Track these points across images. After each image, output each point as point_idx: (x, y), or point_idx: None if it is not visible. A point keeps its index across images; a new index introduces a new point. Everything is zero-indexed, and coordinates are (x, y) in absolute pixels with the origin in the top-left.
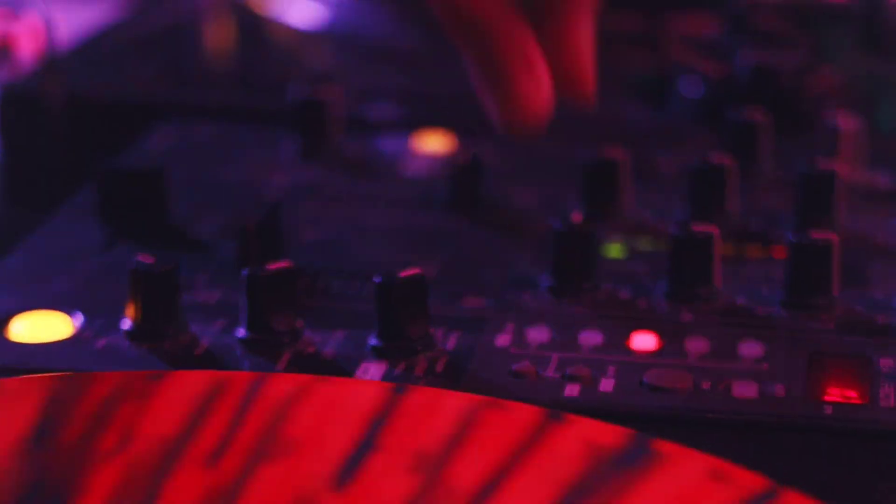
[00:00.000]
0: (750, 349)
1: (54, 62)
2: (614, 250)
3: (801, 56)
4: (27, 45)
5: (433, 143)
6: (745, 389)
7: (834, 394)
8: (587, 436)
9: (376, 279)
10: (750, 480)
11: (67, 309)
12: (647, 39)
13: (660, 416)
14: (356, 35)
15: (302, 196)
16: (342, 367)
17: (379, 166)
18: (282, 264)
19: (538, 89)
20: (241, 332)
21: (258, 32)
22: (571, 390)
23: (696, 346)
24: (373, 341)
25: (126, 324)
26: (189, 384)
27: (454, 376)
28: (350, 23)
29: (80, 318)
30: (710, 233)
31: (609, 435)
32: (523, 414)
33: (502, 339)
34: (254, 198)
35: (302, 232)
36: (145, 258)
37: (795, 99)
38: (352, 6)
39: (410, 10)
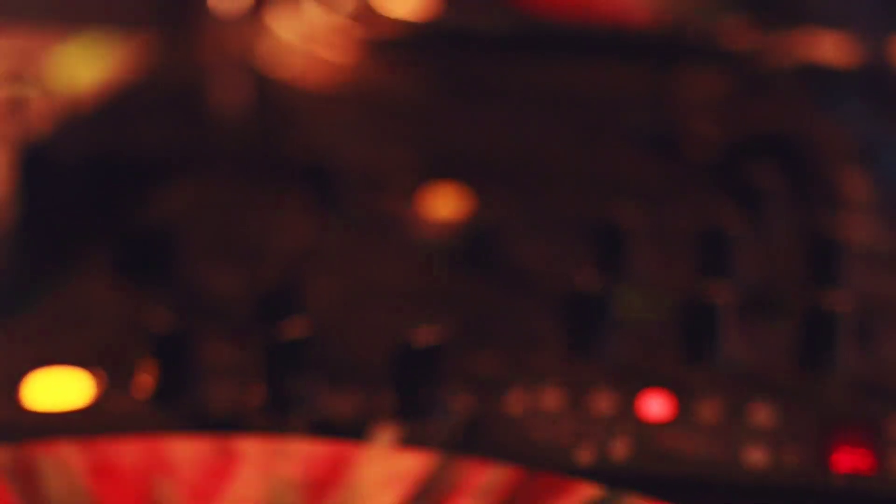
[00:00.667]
0: (761, 414)
1: (70, 120)
2: (628, 309)
3: (811, 117)
4: (40, 101)
5: (445, 199)
6: (756, 455)
7: (844, 462)
8: None
9: (396, 345)
10: None
11: (84, 368)
12: (657, 96)
13: (674, 482)
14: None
15: (316, 255)
16: (357, 431)
17: (391, 224)
18: (299, 327)
19: None
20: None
21: (272, 91)
22: (584, 456)
23: (709, 410)
24: (388, 405)
25: (142, 385)
26: None
27: (469, 441)
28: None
29: (95, 379)
30: (721, 295)
31: None
32: None
33: (516, 403)
34: (270, 258)
35: (316, 291)
36: (161, 318)
37: (806, 160)
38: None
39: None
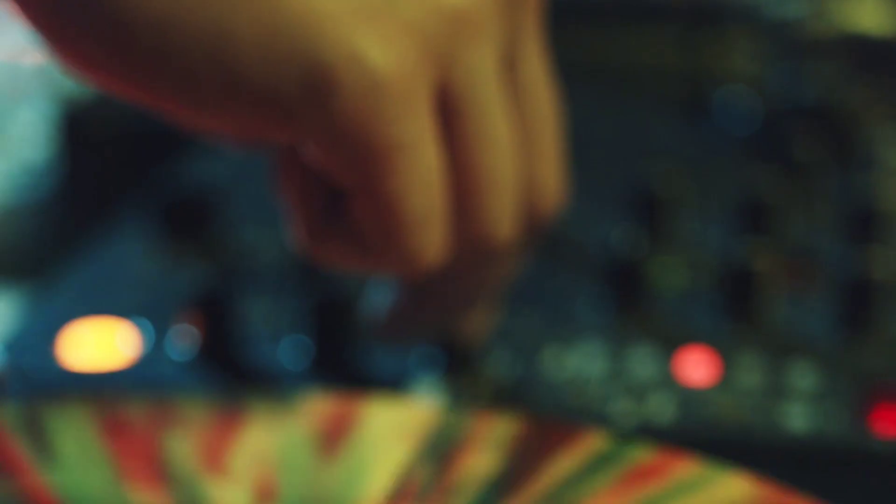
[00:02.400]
0: (802, 377)
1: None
2: (668, 277)
3: (855, 89)
4: None
5: None
6: (797, 418)
7: (885, 424)
8: None
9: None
10: None
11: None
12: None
13: (715, 445)
14: None
15: None
16: (400, 388)
17: None
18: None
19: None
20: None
21: None
22: (637, 420)
23: (750, 373)
24: (430, 361)
25: (188, 346)
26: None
27: (510, 402)
28: None
29: (136, 338)
30: (763, 260)
31: None
32: None
33: (557, 366)
34: None
35: None
36: (203, 277)
37: (851, 131)
38: None
39: None
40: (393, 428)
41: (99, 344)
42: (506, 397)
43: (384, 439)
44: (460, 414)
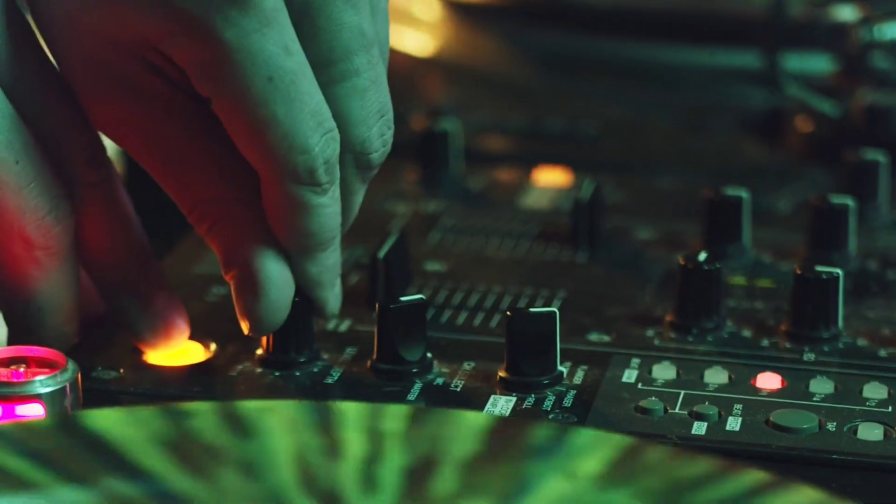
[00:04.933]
0: (874, 391)
1: None
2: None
3: None
4: None
5: (551, 178)
6: (870, 432)
7: None
8: None
9: (508, 314)
10: None
11: (199, 334)
12: (764, 77)
13: (786, 456)
14: (470, 67)
15: (424, 226)
16: (470, 400)
17: (499, 198)
18: (414, 297)
19: None
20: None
21: None
22: (698, 428)
23: (821, 386)
24: (501, 374)
25: (259, 351)
26: None
27: (581, 411)
28: (464, 55)
29: (212, 345)
30: (835, 274)
31: None
32: None
33: (628, 375)
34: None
35: (424, 262)
36: None
37: None
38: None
39: None
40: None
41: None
42: (576, 411)
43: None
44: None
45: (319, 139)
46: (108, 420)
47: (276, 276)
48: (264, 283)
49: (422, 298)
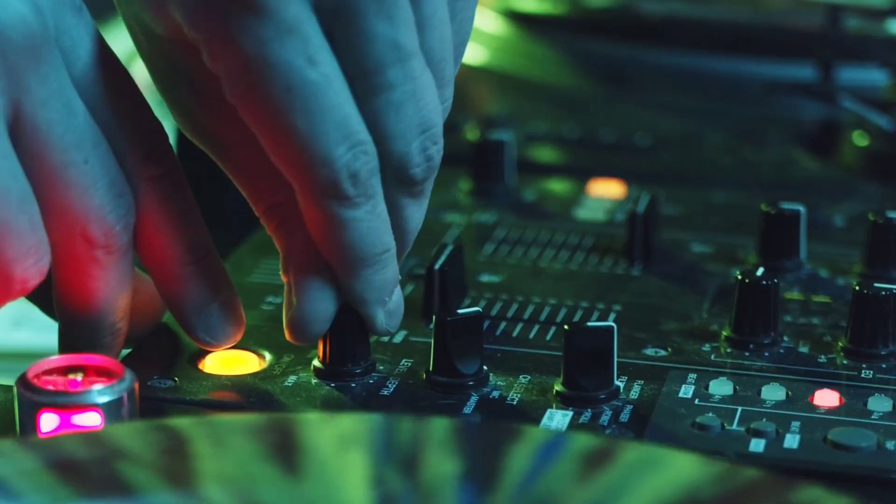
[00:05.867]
0: None
1: None
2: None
3: None
4: None
5: (606, 190)
6: None
7: None
8: None
9: (566, 328)
10: None
11: (253, 344)
12: (819, 90)
13: (844, 474)
14: (525, 77)
15: (478, 237)
16: (527, 414)
17: (553, 209)
18: (471, 310)
19: None
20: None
21: None
22: (756, 445)
23: (879, 404)
24: (558, 388)
25: (315, 362)
26: None
27: (637, 426)
28: (519, 65)
29: (267, 354)
30: (894, 291)
31: None
32: None
33: (685, 391)
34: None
35: (479, 273)
36: None
37: None
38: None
39: None
40: (338, 440)
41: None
42: (632, 425)
43: (336, 451)
44: (398, 420)
45: (346, 152)
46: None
47: (313, 288)
48: (300, 294)
49: (479, 311)
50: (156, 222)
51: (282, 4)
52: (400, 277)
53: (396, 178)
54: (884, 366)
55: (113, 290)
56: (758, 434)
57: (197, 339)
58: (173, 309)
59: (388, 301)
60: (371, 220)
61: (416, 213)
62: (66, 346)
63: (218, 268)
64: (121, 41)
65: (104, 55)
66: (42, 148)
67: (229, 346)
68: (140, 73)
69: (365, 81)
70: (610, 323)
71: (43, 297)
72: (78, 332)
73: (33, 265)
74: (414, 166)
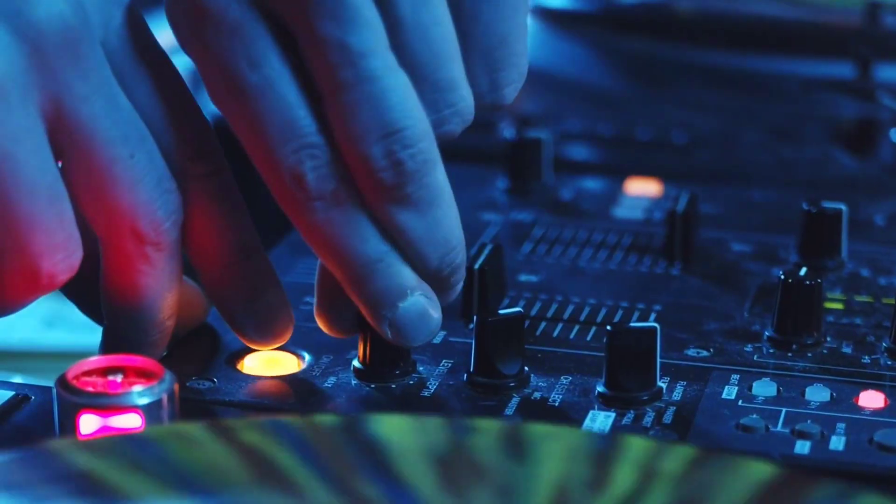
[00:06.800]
0: None
1: None
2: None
3: None
4: None
5: (643, 188)
6: None
7: None
8: None
9: (609, 329)
10: None
11: (292, 344)
12: (858, 87)
13: (892, 476)
14: (561, 75)
15: (515, 236)
16: (569, 415)
17: (590, 208)
18: (512, 311)
19: None
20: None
21: None
22: (801, 447)
23: None
24: (600, 389)
25: (355, 362)
26: None
27: (681, 428)
28: (554, 63)
29: (307, 356)
30: None
31: None
32: None
33: (728, 392)
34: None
35: (517, 272)
36: None
37: None
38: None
39: None
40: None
41: (270, 365)
42: (675, 427)
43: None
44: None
45: (290, 154)
46: (392, 426)
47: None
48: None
49: (520, 312)
50: (205, 220)
51: (223, 7)
52: (414, 289)
53: (364, 183)
54: None
55: (162, 287)
56: (803, 436)
57: (245, 337)
58: (221, 307)
59: (393, 313)
60: (336, 227)
61: (413, 221)
62: (111, 344)
63: (266, 266)
64: (163, 35)
65: (153, 53)
66: (87, 143)
67: (279, 344)
68: (182, 65)
69: (321, 83)
70: (653, 323)
71: (84, 296)
72: (125, 330)
73: (62, 261)
74: (378, 171)
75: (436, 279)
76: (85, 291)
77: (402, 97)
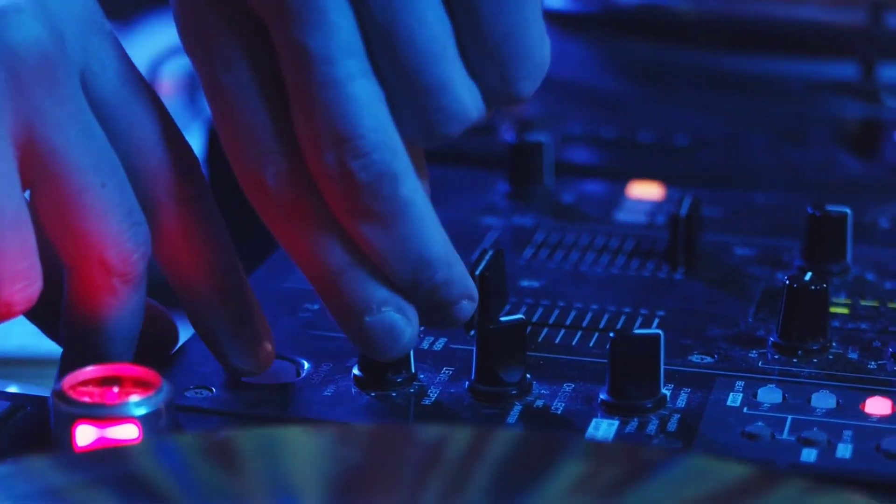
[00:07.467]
0: None
1: None
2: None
3: None
4: None
5: (645, 191)
6: None
7: None
8: None
9: (612, 336)
10: None
11: (290, 351)
12: (861, 89)
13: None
14: (562, 77)
15: (516, 241)
16: (572, 423)
17: (592, 212)
18: (514, 318)
19: None
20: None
21: None
22: (808, 455)
23: None
24: (603, 396)
25: (355, 370)
26: None
27: (686, 436)
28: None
29: (306, 364)
30: None
31: None
32: None
33: (733, 399)
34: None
35: (518, 278)
36: None
37: None
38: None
39: None
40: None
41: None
42: (679, 434)
43: None
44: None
45: (252, 158)
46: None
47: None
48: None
49: (522, 319)
50: (190, 244)
51: (199, 13)
52: (383, 303)
53: (324, 193)
54: None
55: (125, 318)
56: (809, 443)
57: (229, 365)
58: (204, 335)
59: (359, 326)
60: (298, 235)
61: (376, 234)
62: (70, 367)
63: (249, 294)
64: (144, 51)
65: (133, 78)
66: (58, 169)
67: (260, 373)
68: (166, 85)
69: (288, 87)
70: (656, 330)
71: (45, 317)
72: (84, 356)
73: (21, 290)
74: (330, 179)
75: (419, 297)
76: (47, 314)
77: (360, 105)
